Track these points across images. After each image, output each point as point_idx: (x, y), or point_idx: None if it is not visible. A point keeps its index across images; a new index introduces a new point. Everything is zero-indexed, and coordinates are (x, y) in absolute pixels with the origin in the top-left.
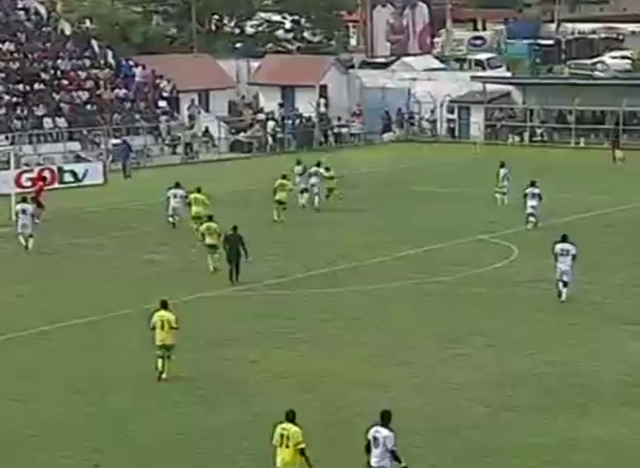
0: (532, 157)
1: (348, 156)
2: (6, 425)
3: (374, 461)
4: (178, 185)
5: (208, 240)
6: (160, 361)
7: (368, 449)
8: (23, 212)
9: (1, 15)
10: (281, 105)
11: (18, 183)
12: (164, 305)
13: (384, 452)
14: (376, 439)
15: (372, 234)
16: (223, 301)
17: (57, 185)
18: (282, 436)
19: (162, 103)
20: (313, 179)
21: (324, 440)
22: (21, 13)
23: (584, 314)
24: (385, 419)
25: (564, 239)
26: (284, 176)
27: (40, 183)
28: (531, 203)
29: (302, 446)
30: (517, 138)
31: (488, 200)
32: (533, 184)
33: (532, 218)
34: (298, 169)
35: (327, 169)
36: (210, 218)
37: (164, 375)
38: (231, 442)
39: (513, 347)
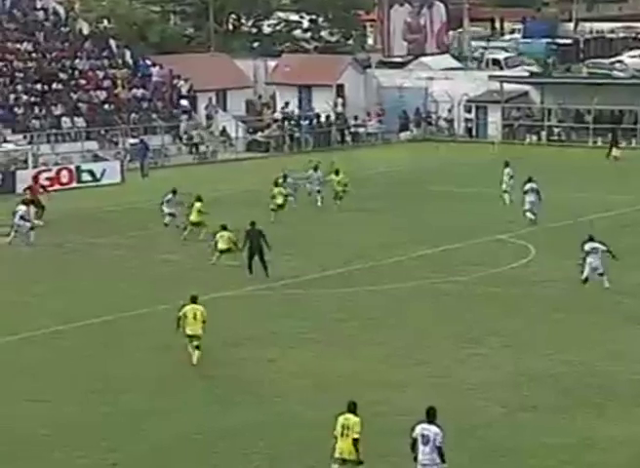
0: (549, 156)
1: (365, 155)
2: (21, 425)
3: (427, 459)
4: (174, 192)
5: (220, 245)
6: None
7: (413, 447)
8: (15, 213)
9: (19, 15)
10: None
11: (35, 183)
12: (194, 300)
13: (434, 448)
14: (424, 436)
15: (388, 234)
16: (239, 301)
17: (74, 185)
18: (344, 426)
19: (184, 102)
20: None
21: None
22: (40, 13)
23: (602, 314)
24: (431, 416)
25: (591, 239)
26: (276, 184)
27: (31, 184)
28: (529, 199)
29: (357, 436)
30: (535, 138)
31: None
32: (530, 180)
33: (529, 214)
34: (314, 174)
35: (336, 172)
36: (224, 228)
37: (194, 360)
38: (247, 441)
39: (530, 347)
